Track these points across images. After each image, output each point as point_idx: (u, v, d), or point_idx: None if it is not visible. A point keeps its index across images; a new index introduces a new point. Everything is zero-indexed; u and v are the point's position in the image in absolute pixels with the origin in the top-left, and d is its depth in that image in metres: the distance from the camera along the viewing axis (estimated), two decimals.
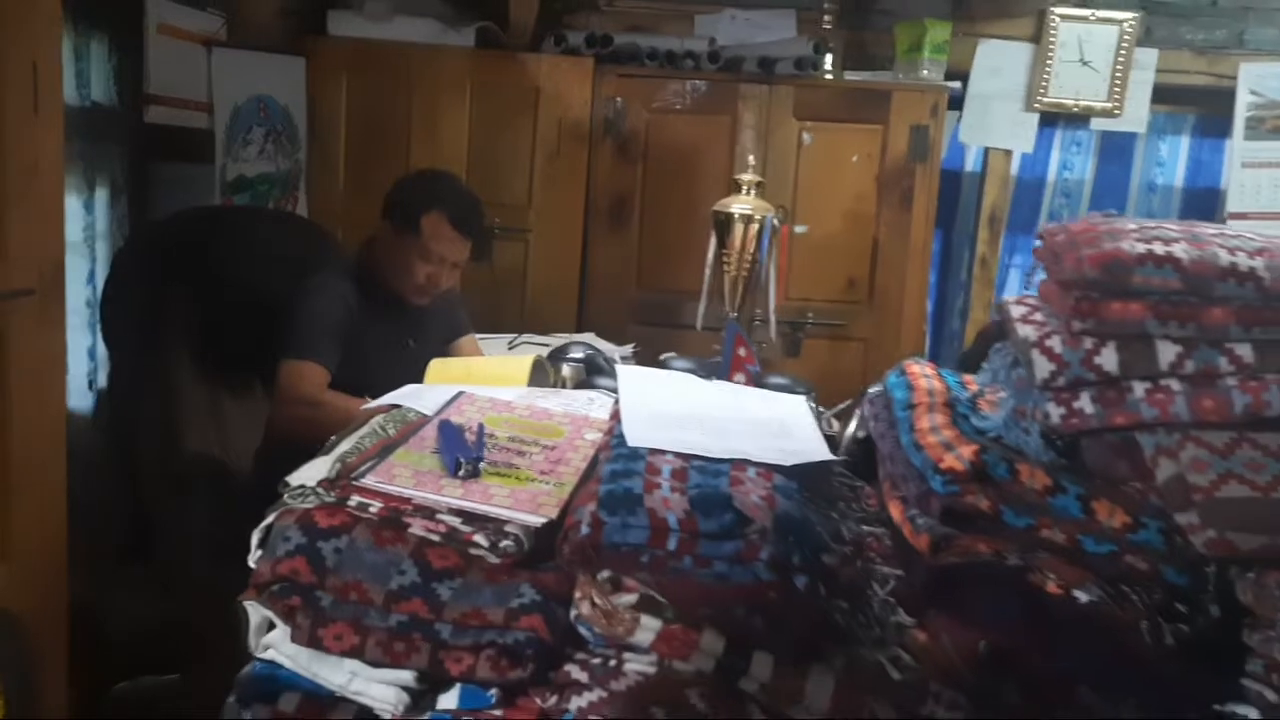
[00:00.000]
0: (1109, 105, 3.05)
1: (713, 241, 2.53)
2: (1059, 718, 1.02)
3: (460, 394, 1.40)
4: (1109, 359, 1.05)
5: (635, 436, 1.12)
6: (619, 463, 1.08)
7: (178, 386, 2.34)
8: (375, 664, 1.08)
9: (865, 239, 3.04)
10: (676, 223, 3.02)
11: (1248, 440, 1.03)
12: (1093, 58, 2.99)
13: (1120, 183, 3.27)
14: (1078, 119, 3.15)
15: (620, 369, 1.38)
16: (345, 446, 1.25)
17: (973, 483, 1.04)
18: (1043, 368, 1.08)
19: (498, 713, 1.08)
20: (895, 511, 1.16)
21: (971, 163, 3.32)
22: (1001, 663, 1.03)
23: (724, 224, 2.49)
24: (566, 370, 1.67)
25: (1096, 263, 1.03)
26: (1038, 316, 1.14)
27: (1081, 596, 1.02)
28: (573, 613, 1.05)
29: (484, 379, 1.56)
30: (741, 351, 2.13)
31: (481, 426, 1.26)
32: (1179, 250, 1.03)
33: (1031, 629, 1.04)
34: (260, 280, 2.34)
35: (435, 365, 1.64)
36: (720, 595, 1.01)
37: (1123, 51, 2.97)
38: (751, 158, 2.51)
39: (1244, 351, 1.03)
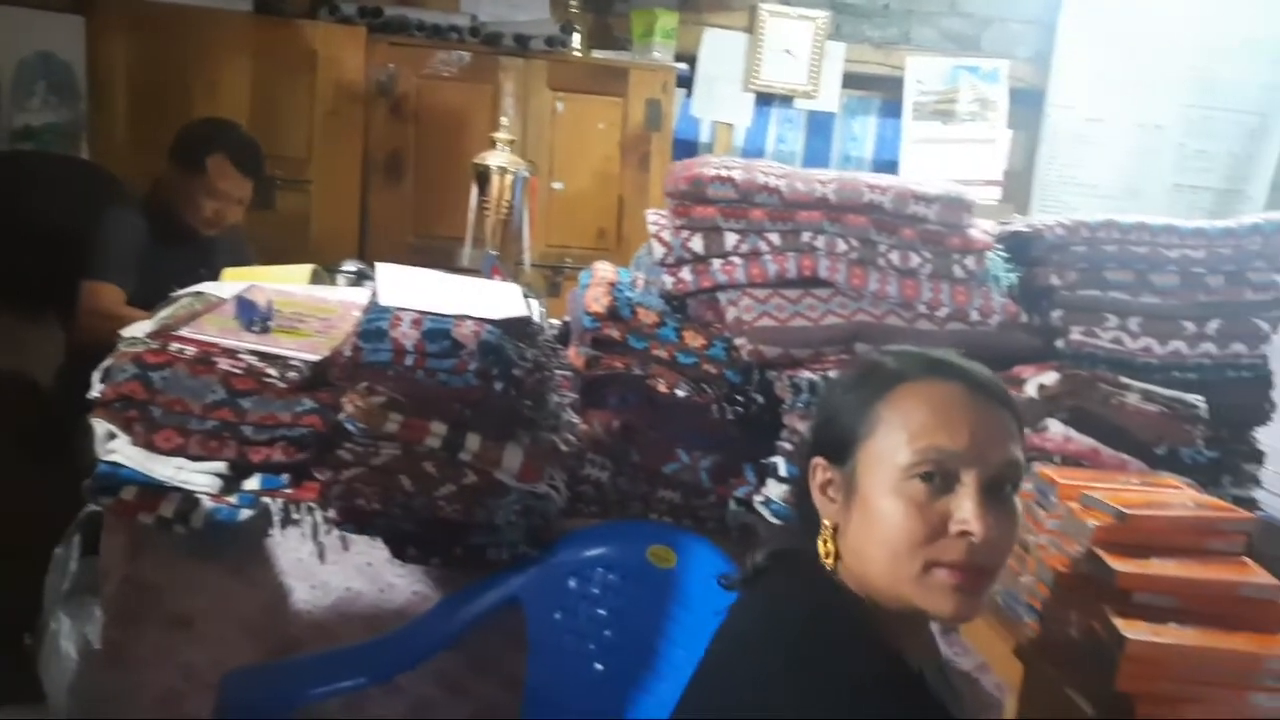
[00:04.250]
0: (808, 89, 3.82)
1: (474, 191, 3.08)
2: (664, 468, 1.65)
3: (251, 285, 1.88)
4: (697, 244, 1.70)
5: (387, 299, 1.66)
6: (373, 313, 1.61)
7: None
8: (196, 458, 1.56)
9: (612, 196, 3.66)
10: (447, 177, 3.50)
11: (778, 294, 1.69)
12: (794, 48, 3.75)
13: (823, 155, 4.06)
14: (786, 99, 3.91)
15: (380, 265, 1.89)
16: (163, 314, 1.72)
17: (608, 320, 1.66)
18: (658, 251, 1.71)
19: (289, 490, 1.60)
20: (571, 351, 1.76)
21: (705, 135, 4.02)
22: (629, 435, 1.66)
23: (483, 175, 3.04)
24: (341, 280, 2.18)
25: (685, 180, 1.67)
26: (661, 220, 1.77)
27: (678, 391, 1.66)
28: (341, 414, 1.58)
29: (271, 281, 2.03)
30: (497, 279, 2.69)
31: (270, 301, 1.76)
32: (736, 174, 1.68)
33: (648, 413, 1.66)
34: (51, 216, 2.68)
35: (228, 273, 2.11)
36: (443, 395, 1.56)
37: (817, 44, 3.75)
38: (505, 119, 3.07)
39: (774, 237, 1.70)
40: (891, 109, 4.03)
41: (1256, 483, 1.58)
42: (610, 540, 1.65)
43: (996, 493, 0.96)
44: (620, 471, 1.66)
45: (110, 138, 3.37)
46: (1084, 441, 1.61)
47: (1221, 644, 1.18)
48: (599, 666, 1.60)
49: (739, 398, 1.67)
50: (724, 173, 1.67)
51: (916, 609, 0.96)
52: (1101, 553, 1.29)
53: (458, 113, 3.54)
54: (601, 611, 1.62)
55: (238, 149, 2.63)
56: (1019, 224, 1.85)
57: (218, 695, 1.47)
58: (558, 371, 1.81)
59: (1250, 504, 1.58)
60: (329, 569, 1.63)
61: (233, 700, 1.46)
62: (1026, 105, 3.98)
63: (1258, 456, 1.61)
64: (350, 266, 2.23)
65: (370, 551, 1.63)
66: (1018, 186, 4.02)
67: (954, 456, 0.95)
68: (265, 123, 3.34)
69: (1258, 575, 1.26)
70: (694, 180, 1.67)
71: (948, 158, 3.91)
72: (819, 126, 4.04)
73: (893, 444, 0.96)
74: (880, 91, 4.03)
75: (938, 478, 0.95)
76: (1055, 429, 1.62)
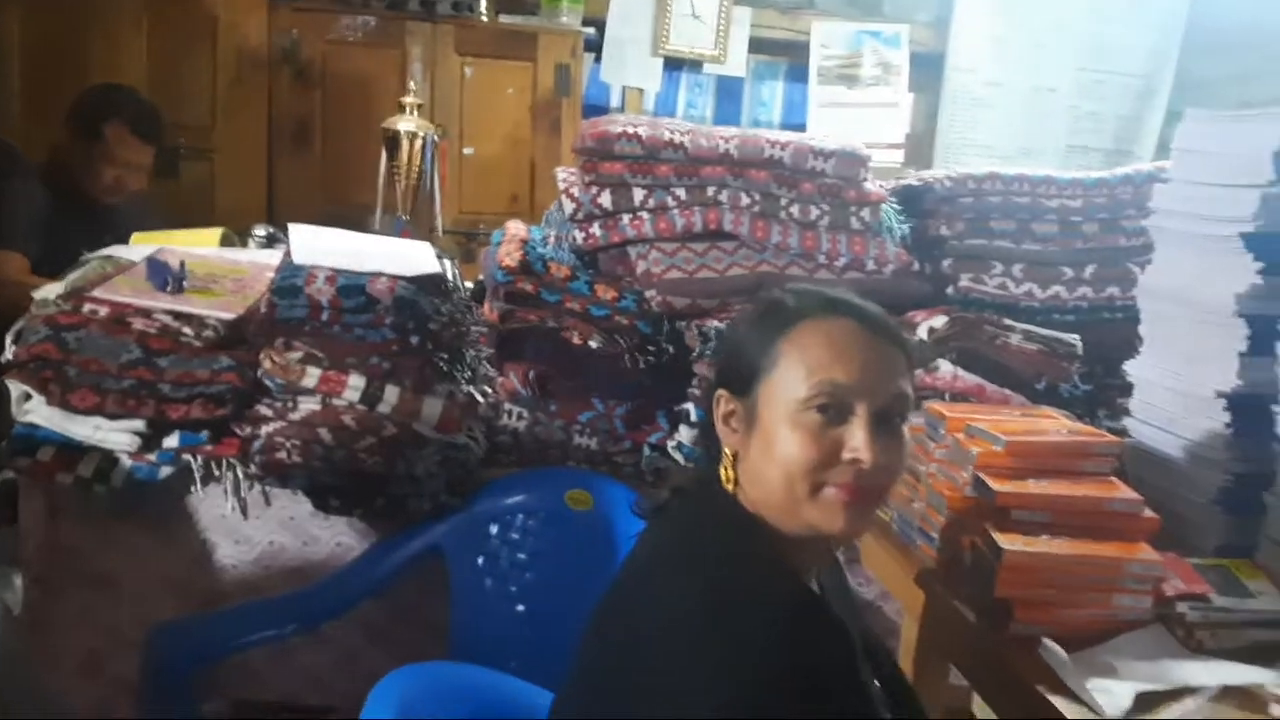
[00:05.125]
0: (716, 53, 3.91)
1: (384, 157, 3.10)
2: (580, 417, 1.73)
3: (162, 248, 1.90)
4: (606, 199, 1.77)
5: (301, 258, 1.70)
6: (287, 271, 1.65)
7: None
8: (114, 417, 1.59)
9: (524, 161, 3.70)
10: (356, 144, 3.50)
11: (686, 247, 1.78)
12: (701, 13, 3.83)
13: (733, 119, 4.15)
14: (695, 64, 3.99)
15: (292, 226, 1.92)
16: (73, 276, 1.72)
17: (521, 274, 1.72)
18: (568, 207, 1.78)
19: (209, 447, 1.63)
20: (486, 307, 1.82)
21: (616, 99, 4.08)
22: (544, 386, 1.73)
23: (393, 140, 3.06)
24: (252, 243, 2.20)
25: (593, 137, 1.74)
26: (570, 177, 1.84)
27: (592, 343, 1.73)
28: (259, 371, 1.62)
29: (181, 244, 2.05)
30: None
31: (182, 262, 1.78)
32: (642, 131, 1.76)
33: (563, 364, 1.74)
34: None
35: (137, 237, 2.11)
36: (360, 349, 1.62)
37: (724, 8, 3.83)
38: (413, 83, 3.09)
39: (680, 192, 1.78)
40: (798, 73, 4.14)
41: (1127, 413, 1.72)
42: (529, 487, 1.72)
43: (886, 423, 1.05)
44: (537, 421, 1.73)
45: (5, 106, 3.28)
46: (970, 379, 1.73)
47: (1088, 552, 1.31)
48: (520, 608, 1.68)
49: (650, 347, 1.75)
50: (630, 129, 1.75)
51: (809, 527, 1.04)
52: (984, 476, 1.40)
53: (365, 79, 3.53)
54: (522, 555, 1.69)
55: (136, 115, 2.62)
56: (911, 178, 1.96)
57: (144, 647, 1.50)
58: (474, 327, 1.87)
59: (1122, 432, 1.72)
60: (252, 524, 1.67)
61: (159, 651, 1.50)
62: (927, 69, 4.13)
63: (1129, 389, 1.75)
64: (261, 230, 2.25)
65: (293, 505, 1.68)
66: (920, 148, 4.17)
67: (848, 390, 1.03)
68: (166, 90, 3.29)
69: (1123, 492, 1.39)
70: (601, 137, 1.74)
71: (853, 121, 4.04)
72: (728, 91, 4.13)
73: (792, 378, 1.04)
74: (787, 56, 4.13)
75: (832, 409, 1.03)
76: (945, 368, 1.74)
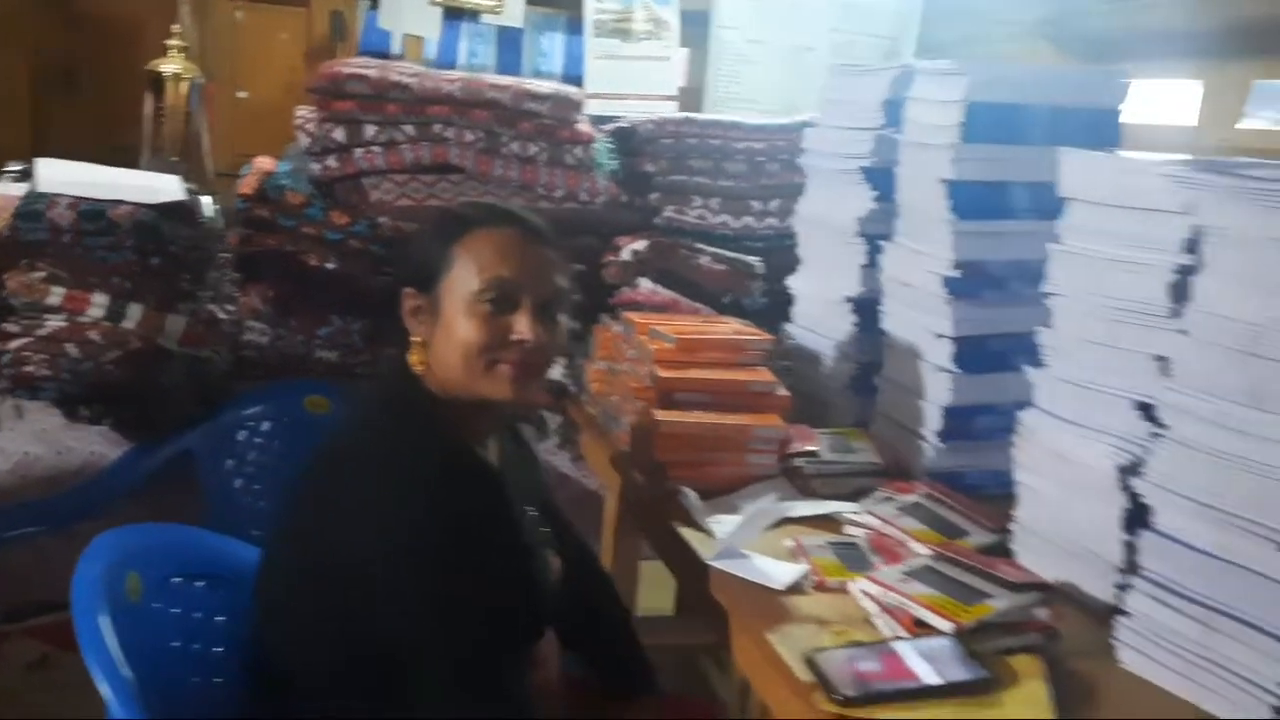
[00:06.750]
0: (494, 4, 4.11)
1: (149, 99, 3.17)
2: (319, 333, 1.95)
3: None
4: (340, 134, 1.98)
5: (45, 186, 1.83)
6: (30, 198, 1.79)
7: None
8: None
9: (300, 105, 3.81)
10: (126, 86, 3.52)
11: (415, 178, 2.01)
12: None
13: (515, 69, 4.36)
14: (474, 14, 4.17)
15: (39, 160, 2.04)
16: None
17: (257, 202, 1.92)
18: (303, 141, 1.97)
19: None
20: (232, 237, 2.00)
21: (396, 47, 4.21)
22: (283, 304, 1.93)
23: (158, 83, 3.13)
24: (6, 179, 2.28)
25: (324, 77, 1.95)
26: (308, 114, 2.03)
27: (328, 264, 1.95)
28: (3, 291, 1.76)
29: None
30: None
31: None
32: (370, 72, 1.97)
33: (302, 283, 1.94)
34: None
35: None
36: (103, 270, 1.78)
37: None
38: (178, 25, 3.17)
39: (409, 129, 2.01)
40: (577, 26, 4.37)
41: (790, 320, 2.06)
42: (272, 397, 1.93)
43: (546, 312, 1.30)
44: (279, 336, 1.93)
45: None
46: (667, 293, 2.05)
47: (725, 421, 1.64)
48: (264, 504, 1.89)
49: (385, 269, 1.97)
50: (359, 71, 1.96)
51: (484, 397, 1.29)
52: (658, 369, 1.71)
53: (134, 22, 3.56)
54: (266, 457, 1.90)
55: None
56: (622, 121, 2.25)
57: None
58: (221, 254, 2.05)
59: (789, 335, 2.06)
60: (5, 436, 1.81)
61: None
62: (696, 26, 4.44)
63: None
64: (15, 166, 2.33)
65: (45, 418, 1.82)
66: (692, 101, 4.49)
67: (513, 285, 1.27)
68: None
69: (764, 376, 1.73)
70: (332, 78, 1.95)
71: (628, 74, 4.32)
72: (509, 42, 4.32)
73: (467, 275, 1.26)
74: (565, 9, 4.36)
75: (501, 300, 1.27)
76: (645, 285, 2.04)
